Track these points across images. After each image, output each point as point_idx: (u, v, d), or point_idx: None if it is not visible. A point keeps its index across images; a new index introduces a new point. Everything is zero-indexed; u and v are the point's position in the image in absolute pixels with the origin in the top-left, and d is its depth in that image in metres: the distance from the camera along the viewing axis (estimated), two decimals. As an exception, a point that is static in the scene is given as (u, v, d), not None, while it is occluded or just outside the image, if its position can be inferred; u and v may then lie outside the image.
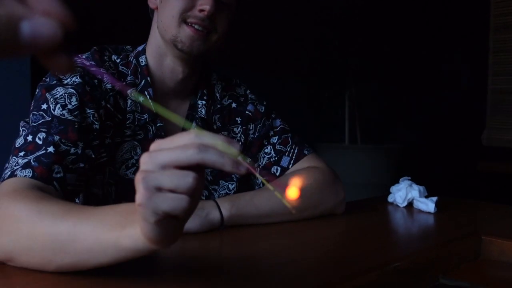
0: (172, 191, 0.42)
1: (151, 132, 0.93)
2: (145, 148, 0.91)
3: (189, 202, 0.43)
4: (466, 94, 3.41)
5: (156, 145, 0.45)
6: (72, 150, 0.78)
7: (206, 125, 0.99)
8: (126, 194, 0.91)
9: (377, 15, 3.58)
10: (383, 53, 3.54)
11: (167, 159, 0.43)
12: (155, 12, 0.95)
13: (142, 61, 0.95)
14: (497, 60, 2.77)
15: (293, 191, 0.47)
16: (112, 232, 0.53)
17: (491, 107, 2.82)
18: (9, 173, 0.73)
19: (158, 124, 0.93)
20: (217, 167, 0.43)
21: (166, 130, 0.94)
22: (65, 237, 0.57)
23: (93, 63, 0.90)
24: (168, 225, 0.46)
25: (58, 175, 0.75)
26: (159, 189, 0.42)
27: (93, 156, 0.83)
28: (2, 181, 0.73)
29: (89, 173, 0.84)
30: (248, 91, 1.09)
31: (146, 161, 0.44)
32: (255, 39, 3.04)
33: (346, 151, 3.04)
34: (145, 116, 0.92)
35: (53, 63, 0.31)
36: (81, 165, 0.79)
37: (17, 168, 0.73)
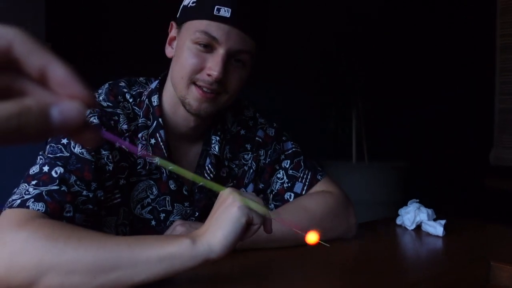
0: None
1: (164, 174, 0.93)
2: (161, 188, 0.93)
3: (263, 221, 0.68)
4: (474, 113, 3.42)
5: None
6: (85, 192, 0.79)
7: (218, 162, 0.99)
8: (141, 233, 0.92)
9: (384, 34, 3.61)
10: (390, 71, 3.57)
11: (249, 195, 0.69)
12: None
13: (154, 101, 0.93)
14: (504, 79, 2.78)
15: (313, 237, 0.63)
16: (172, 243, 0.64)
17: (498, 126, 2.82)
18: (19, 201, 0.72)
19: (169, 167, 0.92)
20: (266, 221, 0.69)
21: (178, 174, 0.94)
22: (117, 256, 0.62)
23: (109, 104, 0.89)
24: (244, 231, 0.65)
25: (68, 214, 0.75)
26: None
27: (103, 198, 0.83)
28: (9, 207, 0.72)
29: (100, 214, 0.84)
30: (257, 114, 1.09)
31: (235, 190, 0.68)
32: (264, 56, 3.07)
33: (353, 168, 3.05)
34: (156, 160, 0.91)
35: (80, 138, 0.33)
36: (90, 206, 0.80)
37: (29, 198, 0.73)
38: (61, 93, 0.32)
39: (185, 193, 0.95)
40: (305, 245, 0.94)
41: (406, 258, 0.99)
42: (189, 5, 0.88)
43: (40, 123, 0.30)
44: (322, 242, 0.70)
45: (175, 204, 0.95)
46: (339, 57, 3.13)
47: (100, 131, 0.35)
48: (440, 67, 3.69)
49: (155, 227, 0.93)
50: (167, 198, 0.94)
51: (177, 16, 0.93)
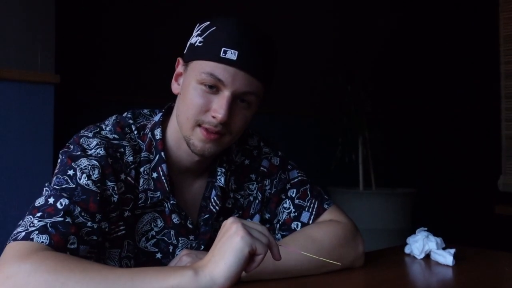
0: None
1: (167, 209, 0.93)
2: (166, 220, 0.92)
3: (267, 250, 0.67)
4: (481, 139, 3.41)
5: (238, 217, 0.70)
6: (89, 223, 0.78)
7: (223, 193, 0.99)
8: (145, 266, 0.90)
9: (389, 61, 3.64)
10: (396, 99, 3.59)
11: (252, 224, 0.69)
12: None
13: (157, 135, 0.93)
14: (509, 106, 2.79)
15: None
16: (174, 276, 0.63)
17: (506, 153, 2.81)
18: (23, 233, 0.72)
19: (171, 202, 0.92)
20: (272, 248, 0.69)
21: (181, 207, 0.94)
22: (121, 286, 0.62)
23: (116, 136, 0.90)
24: (247, 261, 0.64)
25: (72, 246, 0.75)
26: (251, 235, 0.65)
27: (108, 230, 0.83)
28: (14, 239, 0.72)
29: (104, 246, 0.84)
30: (261, 143, 1.08)
31: (237, 219, 0.68)
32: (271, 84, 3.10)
33: (361, 196, 3.03)
34: (158, 194, 0.91)
35: None
36: (95, 237, 0.79)
37: (33, 231, 0.72)
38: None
39: (190, 226, 0.94)
40: (311, 276, 0.94)
41: (416, 288, 0.97)
42: (196, 44, 0.89)
43: None
44: (332, 261, 0.75)
45: (179, 238, 0.94)
46: (344, 85, 3.15)
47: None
48: (445, 94, 3.71)
49: (161, 260, 0.92)
50: (171, 232, 0.93)
51: (184, 52, 0.94)
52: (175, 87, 0.95)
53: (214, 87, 0.86)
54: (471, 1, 3.53)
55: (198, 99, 0.86)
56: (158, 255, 0.92)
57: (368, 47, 3.54)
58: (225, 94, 0.85)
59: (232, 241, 0.64)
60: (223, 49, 0.85)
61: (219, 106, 0.85)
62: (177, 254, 0.93)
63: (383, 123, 3.30)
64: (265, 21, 3.11)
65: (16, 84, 1.74)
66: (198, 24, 0.92)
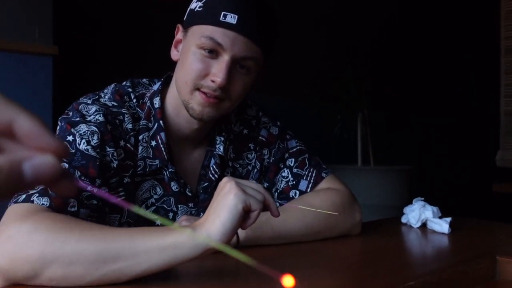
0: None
1: (166, 176, 0.93)
2: (165, 188, 0.93)
3: (262, 207, 0.67)
4: (479, 115, 3.41)
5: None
6: (89, 187, 0.79)
7: (223, 161, 1.00)
8: None
9: (390, 39, 3.62)
10: (395, 76, 3.57)
11: (246, 182, 0.69)
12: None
13: (156, 103, 0.93)
14: (508, 81, 2.78)
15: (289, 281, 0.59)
16: (172, 233, 0.64)
17: (504, 128, 2.81)
18: (24, 196, 0.73)
19: (170, 170, 0.93)
20: (269, 205, 0.70)
21: (179, 175, 0.94)
22: (120, 246, 0.63)
23: (115, 103, 0.90)
24: (242, 218, 0.65)
25: (73, 209, 0.76)
26: (245, 192, 0.66)
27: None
28: (15, 202, 0.73)
29: (104, 210, 0.85)
30: (260, 113, 1.08)
31: (231, 178, 0.68)
32: (271, 62, 3.09)
33: (359, 172, 3.04)
34: (156, 162, 0.92)
35: (57, 188, 0.33)
36: (95, 202, 0.80)
37: (33, 193, 0.73)
38: (33, 146, 0.31)
39: (189, 194, 0.96)
40: (309, 242, 0.96)
41: (411, 254, 0.99)
42: (196, 9, 0.89)
43: (13, 181, 0.29)
44: (330, 212, 0.82)
45: (179, 206, 0.95)
46: (345, 63, 3.14)
47: (75, 180, 0.35)
48: (445, 70, 3.69)
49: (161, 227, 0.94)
50: (171, 199, 0.94)
51: (184, 19, 0.94)
52: (174, 54, 0.95)
53: (213, 52, 0.86)
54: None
55: (197, 63, 0.86)
56: (158, 222, 0.93)
57: (369, 25, 3.52)
58: (225, 58, 0.85)
59: (226, 199, 0.65)
60: (222, 13, 0.85)
61: (218, 71, 0.85)
62: (177, 220, 0.94)
63: (382, 100, 3.30)
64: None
65: (14, 56, 1.74)
66: None
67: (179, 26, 0.95)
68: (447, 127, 3.66)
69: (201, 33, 0.86)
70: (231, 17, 0.85)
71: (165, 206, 0.94)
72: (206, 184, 0.97)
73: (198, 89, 0.87)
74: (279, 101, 3.09)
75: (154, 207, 0.93)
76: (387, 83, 3.48)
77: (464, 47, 3.57)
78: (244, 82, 0.90)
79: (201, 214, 0.96)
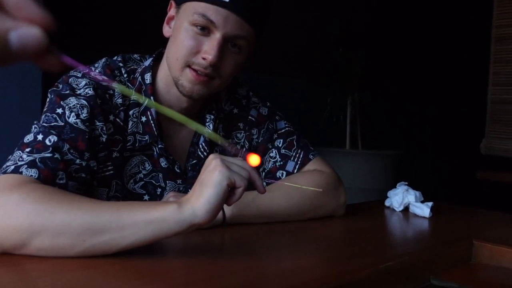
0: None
1: (155, 152, 0.94)
2: (154, 164, 0.94)
3: (247, 183, 0.68)
4: (466, 103, 3.45)
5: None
6: (78, 161, 0.80)
7: (211, 140, 1.01)
8: None
9: (381, 23, 3.62)
10: (385, 60, 3.59)
11: (232, 159, 0.70)
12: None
13: (147, 79, 0.94)
14: (497, 70, 2.81)
15: (254, 159, 0.69)
16: (158, 208, 0.65)
17: (490, 116, 2.86)
18: (12, 167, 0.73)
19: (159, 146, 0.94)
20: (254, 180, 0.70)
21: (168, 151, 0.95)
22: (107, 219, 0.64)
23: (105, 77, 0.91)
24: (227, 194, 0.66)
25: (61, 181, 0.77)
26: (230, 168, 0.67)
27: (96, 168, 0.85)
28: (3, 172, 0.73)
29: (92, 184, 0.86)
30: (250, 93, 1.09)
31: (217, 155, 0.69)
32: (261, 43, 3.08)
33: (347, 156, 3.08)
34: (146, 137, 0.93)
35: (43, 63, 0.33)
36: (83, 175, 0.81)
37: (22, 165, 0.74)
38: (20, 17, 0.31)
39: (178, 170, 0.97)
40: (294, 222, 0.98)
41: (392, 236, 1.02)
42: None
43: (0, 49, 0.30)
44: (313, 188, 0.86)
45: (167, 182, 0.96)
46: (335, 46, 3.14)
47: (61, 55, 0.35)
48: (434, 57, 3.71)
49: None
50: (159, 175, 0.95)
51: None
52: (166, 30, 0.95)
53: (205, 29, 0.86)
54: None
55: (189, 40, 0.87)
56: (146, 197, 0.95)
57: (362, 8, 3.51)
58: (216, 36, 0.86)
59: (211, 176, 0.66)
60: None
61: (210, 48, 0.86)
62: (165, 196, 0.96)
63: (372, 84, 3.32)
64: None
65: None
66: None
67: (172, 2, 0.95)
68: (435, 114, 3.70)
69: (193, 9, 0.86)
70: None
71: (153, 181, 0.95)
72: (194, 161, 0.99)
73: (188, 66, 0.88)
74: (269, 81, 3.10)
75: (142, 182, 0.94)
76: (378, 67, 3.49)
77: (454, 35, 3.59)
78: (235, 61, 0.91)
79: (189, 190, 0.97)
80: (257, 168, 1.06)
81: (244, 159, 0.70)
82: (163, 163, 0.95)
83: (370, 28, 3.53)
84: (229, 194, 0.67)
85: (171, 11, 0.95)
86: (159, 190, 0.96)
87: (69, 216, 0.64)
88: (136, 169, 0.93)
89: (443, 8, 3.64)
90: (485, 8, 3.05)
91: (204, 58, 0.86)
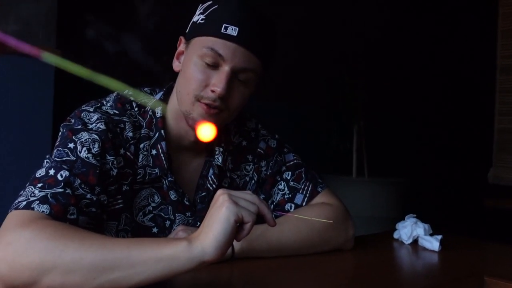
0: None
1: (165, 185, 0.95)
2: (163, 197, 0.94)
3: (255, 218, 0.68)
4: (473, 132, 3.45)
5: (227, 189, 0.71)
6: (89, 195, 0.80)
7: (221, 172, 1.01)
8: None
9: (386, 50, 3.65)
10: (391, 89, 3.61)
11: (240, 193, 0.70)
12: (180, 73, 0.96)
13: (158, 113, 0.95)
14: (503, 100, 2.81)
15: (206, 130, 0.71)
16: (168, 246, 0.66)
17: (497, 146, 2.85)
18: (24, 203, 0.74)
19: (169, 179, 0.94)
20: (264, 213, 0.70)
21: (178, 184, 0.96)
22: (117, 257, 0.64)
23: (116, 111, 0.92)
24: (235, 230, 0.66)
25: (72, 217, 0.77)
26: (238, 204, 0.67)
27: (106, 202, 0.85)
28: (15, 208, 0.74)
29: (102, 218, 0.86)
30: (259, 125, 1.10)
31: (225, 191, 0.69)
32: (269, 71, 3.11)
33: (353, 183, 3.07)
34: (156, 170, 0.93)
35: None
36: (93, 209, 0.81)
37: (34, 200, 0.74)
38: None
39: (187, 203, 0.97)
40: (303, 256, 0.98)
41: (402, 271, 1.01)
42: (198, 22, 0.92)
43: None
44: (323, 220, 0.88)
45: (176, 214, 0.96)
46: (341, 74, 3.17)
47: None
48: (441, 86, 3.73)
49: (157, 234, 0.95)
50: (169, 208, 0.96)
51: (186, 31, 0.96)
52: (176, 65, 0.97)
53: (214, 63, 0.88)
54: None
55: (198, 73, 0.89)
56: (155, 230, 0.95)
57: (367, 37, 3.55)
58: (225, 69, 0.88)
59: (218, 212, 0.66)
60: (224, 25, 0.87)
61: (218, 81, 0.87)
62: (174, 229, 0.96)
63: (378, 113, 3.33)
64: (263, 7, 3.12)
65: (17, 58, 1.75)
66: (200, 4, 0.95)
67: (181, 38, 0.97)
68: (442, 142, 3.70)
69: (202, 44, 0.88)
70: (232, 29, 0.87)
71: (162, 214, 0.95)
72: (203, 193, 0.99)
73: (198, 100, 0.89)
74: (275, 111, 3.12)
75: (151, 215, 0.94)
76: (383, 95, 3.51)
77: (461, 64, 3.62)
78: (243, 94, 0.92)
79: (198, 223, 0.98)
80: (266, 202, 1.07)
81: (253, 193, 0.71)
82: (172, 195, 0.95)
83: (376, 55, 3.57)
84: (238, 229, 0.67)
85: (181, 47, 0.97)
86: (168, 222, 0.96)
87: (79, 254, 0.64)
88: (145, 202, 0.94)
89: (448, 37, 3.68)
90: (489, 38, 3.09)
91: (213, 91, 0.88)
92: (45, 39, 1.83)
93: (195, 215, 0.98)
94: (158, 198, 0.95)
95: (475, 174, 3.31)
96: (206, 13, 0.91)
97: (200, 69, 0.89)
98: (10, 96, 1.81)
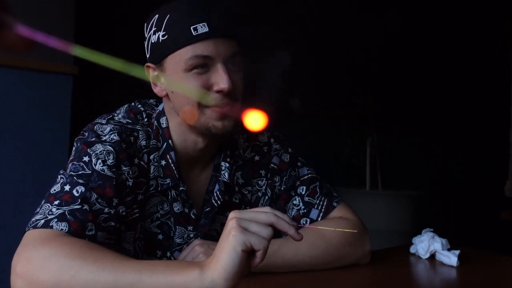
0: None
1: (170, 197, 0.94)
2: (170, 207, 0.94)
3: (267, 244, 0.63)
4: (489, 144, 3.41)
5: (240, 210, 0.66)
6: (106, 209, 0.80)
7: (228, 188, 1.00)
8: (151, 248, 0.93)
9: (399, 63, 3.65)
10: (405, 101, 3.59)
11: (252, 215, 0.65)
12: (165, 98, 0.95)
13: (163, 123, 0.95)
14: (519, 112, 2.79)
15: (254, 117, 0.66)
16: (181, 274, 0.64)
17: (514, 158, 2.82)
18: (43, 221, 0.74)
19: (180, 188, 0.94)
20: (284, 230, 0.65)
21: (188, 194, 0.95)
22: (129, 282, 0.63)
23: (129, 120, 0.92)
24: (245, 259, 0.62)
25: (90, 233, 0.77)
26: (247, 230, 0.62)
27: (125, 213, 0.85)
28: (34, 227, 0.74)
29: (121, 230, 0.86)
30: (272, 139, 1.08)
31: (236, 213, 0.64)
32: (283, 85, 3.12)
33: (367, 196, 3.05)
34: (168, 180, 0.93)
35: (4, 42, 0.31)
36: (112, 223, 0.81)
37: (52, 219, 0.75)
38: None
39: (193, 216, 0.96)
40: (319, 271, 0.97)
41: (420, 287, 1.00)
42: (160, 40, 0.88)
43: None
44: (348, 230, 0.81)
45: (177, 227, 0.96)
46: (354, 88, 3.17)
47: (17, 27, 0.31)
48: (455, 98, 3.71)
49: (162, 241, 0.95)
50: (171, 219, 0.95)
51: (149, 55, 0.93)
52: (158, 90, 0.94)
53: (205, 66, 0.87)
54: (484, 4, 3.52)
55: (195, 82, 0.87)
56: (160, 237, 0.94)
57: (378, 49, 3.55)
58: (218, 66, 0.87)
59: (226, 240, 0.63)
60: (191, 27, 0.85)
61: (219, 79, 0.86)
62: (175, 240, 0.95)
63: (391, 125, 3.31)
64: (270, 24, 3.14)
65: (35, 74, 1.78)
66: (146, 24, 0.93)
67: (148, 65, 0.93)
68: (456, 154, 3.66)
69: (181, 57, 0.86)
70: (201, 27, 0.85)
71: (169, 222, 0.95)
72: (208, 209, 0.98)
73: (206, 107, 0.88)
74: (288, 124, 3.12)
75: (158, 222, 0.94)
76: (397, 107, 3.50)
77: (475, 76, 3.59)
78: (241, 78, 0.91)
79: (198, 238, 0.96)
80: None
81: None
82: (175, 208, 0.94)
83: (388, 66, 3.56)
84: (250, 256, 0.64)
85: (152, 73, 0.93)
86: (172, 232, 0.95)
87: (93, 276, 0.65)
88: (155, 209, 0.94)
89: (461, 48, 3.66)
90: (503, 48, 3.07)
91: (219, 91, 0.86)
92: (62, 55, 1.86)
93: (197, 230, 0.97)
94: (167, 206, 0.94)
95: (491, 187, 3.27)
96: (163, 27, 0.87)
97: (194, 78, 0.87)
98: (29, 110, 1.84)
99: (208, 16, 0.86)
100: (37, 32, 0.36)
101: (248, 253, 0.62)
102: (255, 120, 0.65)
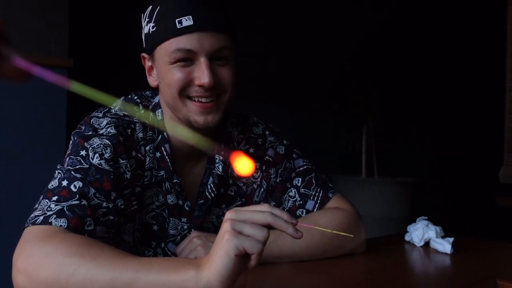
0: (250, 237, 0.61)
1: (164, 188, 0.94)
2: (165, 198, 0.95)
3: (262, 247, 0.61)
4: (484, 131, 3.43)
5: (237, 209, 0.64)
6: (104, 204, 0.80)
7: (222, 181, 1.00)
8: (147, 239, 0.94)
9: (396, 52, 3.65)
10: (401, 89, 3.60)
11: (248, 216, 0.63)
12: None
13: (158, 115, 0.96)
14: (514, 98, 2.81)
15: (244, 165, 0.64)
16: (177, 273, 0.63)
17: (508, 145, 2.84)
18: (41, 218, 0.75)
19: (174, 180, 0.94)
20: (282, 230, 0.63)
21: (182, 186, 0.96)
22: (126, 280, 0.64)
23: (126, 113, 0.92)
24: (239, 263, 0.61)
25: (89, 228, 0.77)
26: (241, 233, 0.61)
27: (123, 206, 0.85)
28: (33, 223, 0.74)
29: (120, 223, 0.86)
30: (267, 132, 1.08)
31: (231, 214, 0.63)
32: (277, 71, 3.12)
33: (363, 183, 3.07)
34: (162, 172, 0.93)
35: (1, 72, 0.31)
36: (111, 217, 0.81)
37: (51, 215, 0.75)
38: None
39: (187, 208, 0.97)
40: (315, 260, 0.98)
41: (414, 274, 1.02)
42: (150, 32, 0.89)
43: None
44: (344, 233, 0.75)
45: (171, 219, 0.96)
46: (351, 75, 3.17)
47: (14, 58, 0.32)
48: (451, 86, 3.71)
49: (157, 232, 0.95)
50: (166, 210, 0.96)
51: (144, 46, 0.94)
52: (151, 80, 0.96)
53: (188, 59, 0.87)
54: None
55: (178, 75, 0.87)
56: (155, 227, 0.95)
57: (376, 38, 3.54)
58: (201, 60, 0.86)
59: (220, 243, 0.62)
60: (176, 20, 0.85)
61: (200, 74, 0.86)
62: (169, 232, 0.96)
63: (387, 113, 3.32)
64: (270, 13, 3.13)
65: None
66: (142, 15, 0.93)
67: (143, 55, 0.95)
68: (452, 142, 3.68)
69: (166, 49, 0.86)
70: (186, 20, 0.85)
71: (163, 214, 0.95)
72: (202, 201, 0.98)
73: (189, 98, 0.88)
74: (285, 112, 3.13)
75: (154, 213, 0.95)
76: (393, 95, 3.51)
77: (471, 63, 3.60)
78: (230, 70, 0.90)
79: (192, 230, 0.97)
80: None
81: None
82: (169, 200, 0.95)
83: (385, 55, 3.56)
84: (245, 259, 0.62)
85: (147, 63, 0.95)
86: (167, 223, 0.96)
87: (91, 275, 0.65)
88: (150, 200, 0.94)
89: (458, 37, 3.66)
90: (499, 38, 3.08)
91: (200, 85, 0.86)
92: (56, 48, 1.85)
93: (191, 221, 0.97)
94: (162, 198, 0.95)
95: (486, 173, 3.30)
96: (153, 19, 0.88)
97: (177, 71, 0.87)
98: (24, 105, 1.83)
99: (194, 10, 0.85)
100: (33, 65, 0.37)
101: (243, 256, 0.61)
102: (243, 165, 0.64)
